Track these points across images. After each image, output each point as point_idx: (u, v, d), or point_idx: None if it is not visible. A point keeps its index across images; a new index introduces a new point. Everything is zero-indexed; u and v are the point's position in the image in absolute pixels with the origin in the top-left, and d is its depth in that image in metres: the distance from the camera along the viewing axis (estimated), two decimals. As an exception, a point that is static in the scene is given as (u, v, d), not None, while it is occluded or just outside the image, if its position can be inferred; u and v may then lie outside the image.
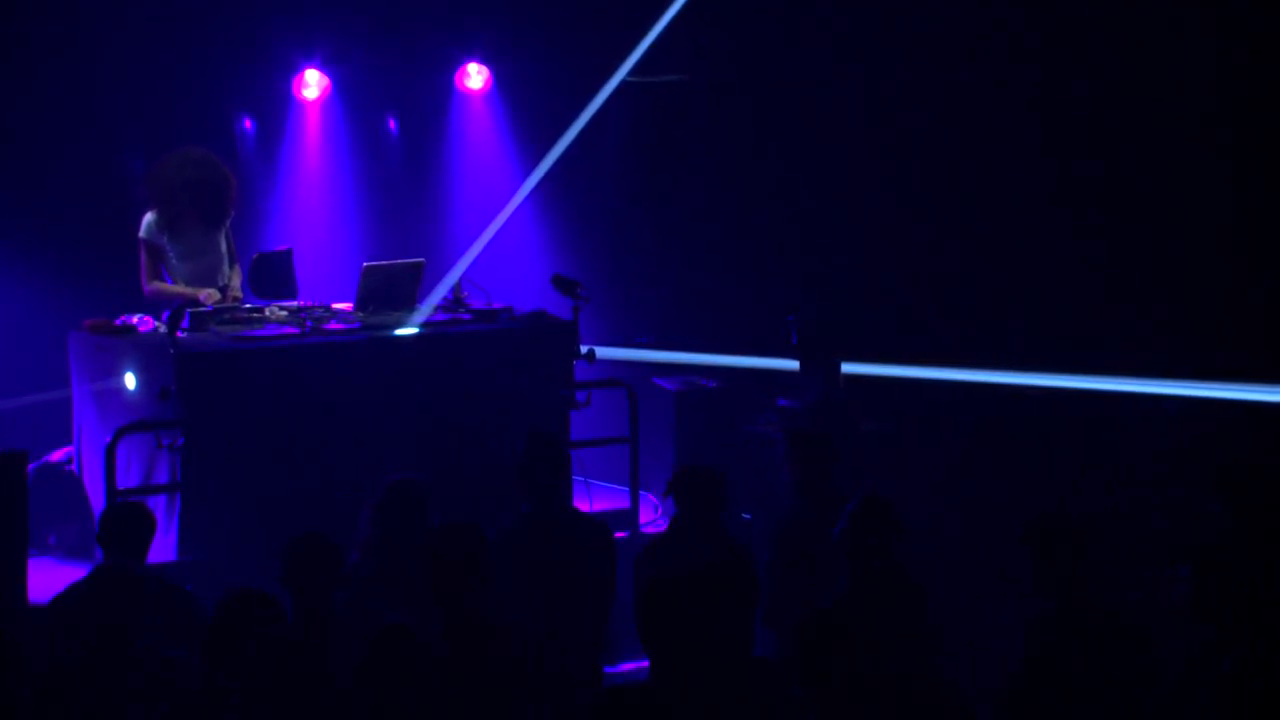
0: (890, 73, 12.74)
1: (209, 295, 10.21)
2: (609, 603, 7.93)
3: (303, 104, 12.94)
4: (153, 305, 10.23)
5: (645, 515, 10.56)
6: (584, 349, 10.23)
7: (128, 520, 7.48)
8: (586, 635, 7.78)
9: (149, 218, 10.32)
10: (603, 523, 8.28)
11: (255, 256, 10.71)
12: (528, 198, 13.20)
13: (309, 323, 9.90)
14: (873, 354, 11.65)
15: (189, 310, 9.73)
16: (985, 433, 11.40)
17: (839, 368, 11.06)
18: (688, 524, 7.93)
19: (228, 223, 10.56)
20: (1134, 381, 11.51)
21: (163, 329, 9.65)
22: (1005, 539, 7.44)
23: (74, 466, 10.04)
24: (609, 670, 8.59)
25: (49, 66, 11.81)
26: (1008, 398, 11.75)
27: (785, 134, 13.12)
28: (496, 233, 13.01)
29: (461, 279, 10.77)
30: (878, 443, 10.88)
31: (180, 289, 10.30)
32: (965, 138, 12.58)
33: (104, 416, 9.74)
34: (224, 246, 10.55)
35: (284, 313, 10.14)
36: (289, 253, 10.88)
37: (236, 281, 10.56)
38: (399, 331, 9.99)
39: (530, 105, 13.40)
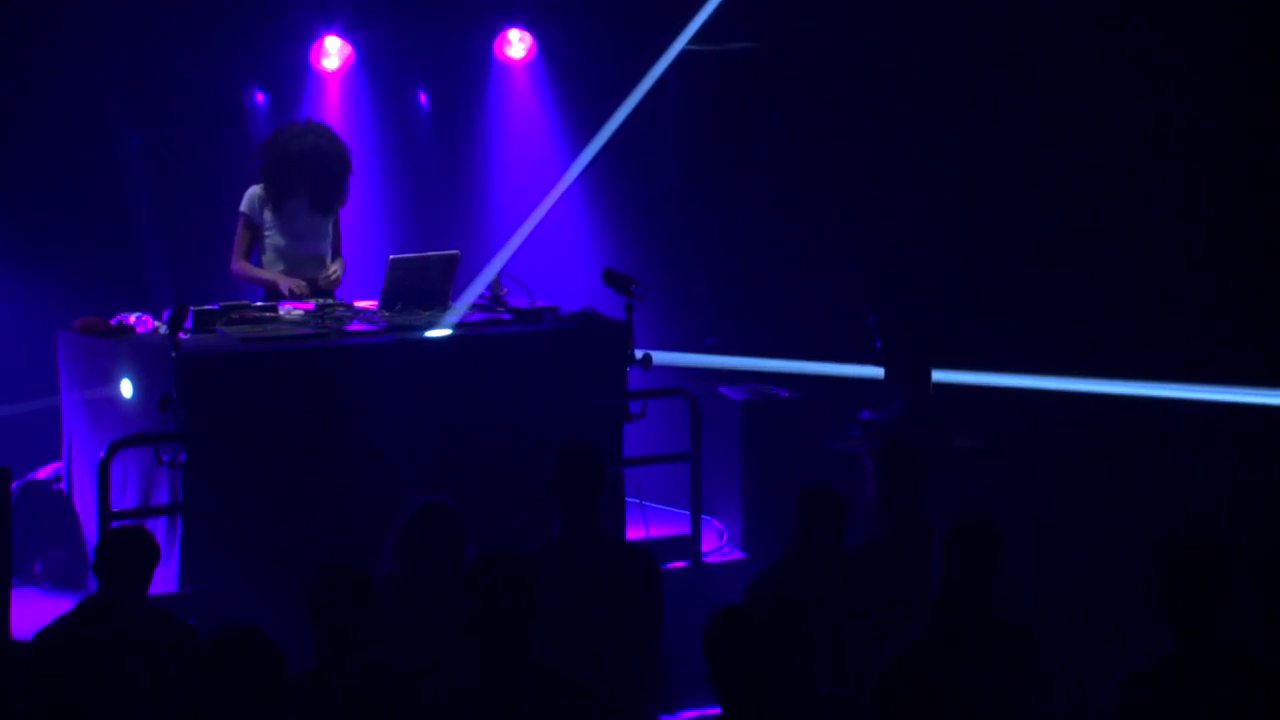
0: (993, 43, 12.62)
1: (297, 286, 10.35)
2: (654, 641, 7.86)
3: (322, 75, 13.00)
4: (236, 285, 10.46)
5: (708, 542, 10.50)
6: (639, 353, 10.19)
7: (128, 549, 7.42)
8: (627, 677, 7.71)
9: (253, 190, 10.59)
10: (646, 550, 8.20)
11: (268, 249, 10.75)
12: (575, 182, 13.20)
13: (328, 323, 9.87)
14: (967, 361, 11.57)
15: (193, 308, 9.71)
16: (1093, 450, 11.30)
17: (929, 376, 11.02)
18: (805, 550, 7.88)
19: (338, 210, 10.73)
20: (1264, 393, 11.40)
21: (163, 329, 9.63)
22: (1115, 570, 7.36)
23: (63, 485, 10.06)
24: (666, 719, 8.52)
25: (33, 37, 11.83)
26: (1119, 410, 11.64)
27: (868, 111, 13.02)
28: (540, 221, 13.00)
29: (500, 274, 10.74)
30: (972, 461, 10.81)
31: (265, 273, 10.50)
32: (1081, 123, 12.47)
33: (97, 428, 9.73)
34: (330, 236, 10.69)
35: (300, 312, 10.12)
36: (306, 243, 10.89)
37: (339, 273, 10.67)
38: (430, 333, 9.96)
39: (579, 77, 13.42)
